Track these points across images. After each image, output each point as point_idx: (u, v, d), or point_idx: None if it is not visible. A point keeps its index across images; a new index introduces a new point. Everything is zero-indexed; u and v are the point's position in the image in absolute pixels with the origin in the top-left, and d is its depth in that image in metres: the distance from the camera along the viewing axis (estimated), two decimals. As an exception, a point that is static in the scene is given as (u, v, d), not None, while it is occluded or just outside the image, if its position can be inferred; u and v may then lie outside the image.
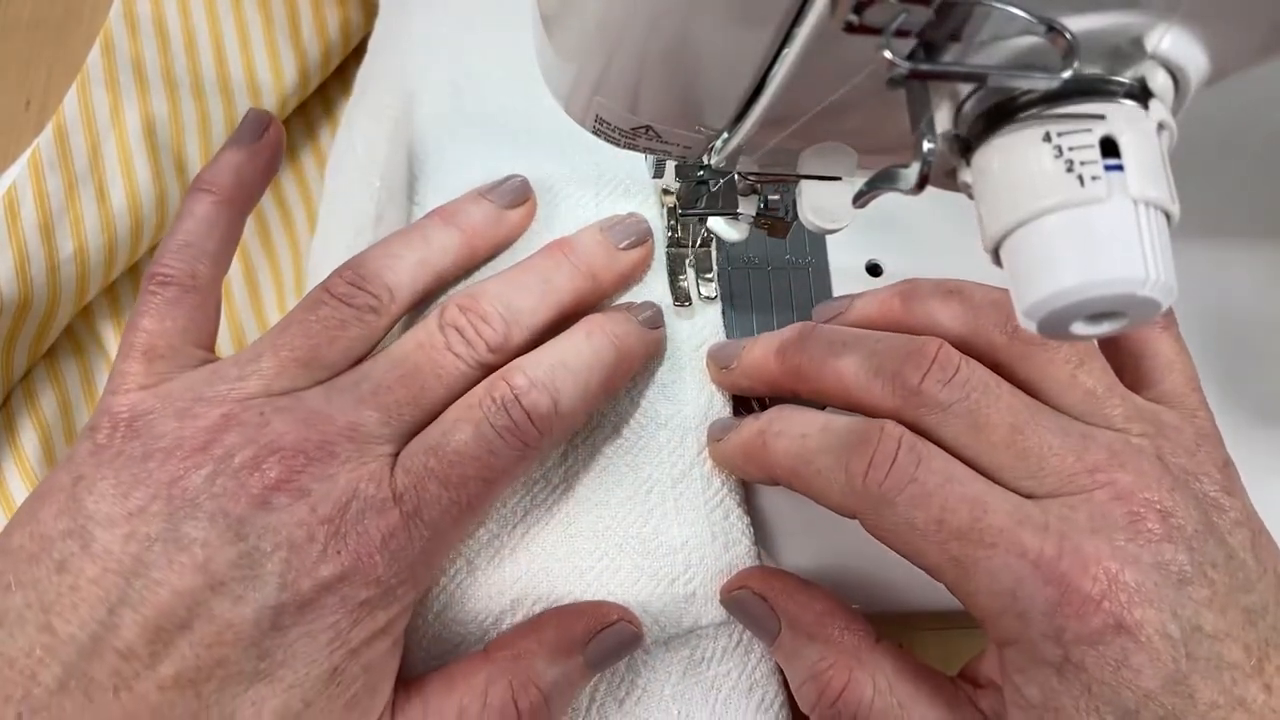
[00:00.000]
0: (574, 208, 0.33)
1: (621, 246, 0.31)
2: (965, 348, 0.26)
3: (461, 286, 0.31)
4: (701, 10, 0.18)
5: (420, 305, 0.30)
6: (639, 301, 0.32)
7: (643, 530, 0.30)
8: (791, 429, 0.27)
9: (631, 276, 0.32)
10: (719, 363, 0.31)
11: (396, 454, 0.25)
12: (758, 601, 0.28)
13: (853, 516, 0.25)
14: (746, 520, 0.31)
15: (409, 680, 0.26)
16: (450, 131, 0.34)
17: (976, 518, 0.23)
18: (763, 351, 0.29)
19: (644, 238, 0.32)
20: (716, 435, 0.30)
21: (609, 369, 0.28)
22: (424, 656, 0.28)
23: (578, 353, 0.28)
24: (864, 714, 0.25)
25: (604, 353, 0.28)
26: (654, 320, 0.31)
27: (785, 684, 0.30)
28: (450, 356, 0.27)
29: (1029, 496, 0.23)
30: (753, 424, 0.28)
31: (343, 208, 0.38)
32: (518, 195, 0.32)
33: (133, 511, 0.23)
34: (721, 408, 0.32)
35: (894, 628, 0.31)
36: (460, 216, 0.30)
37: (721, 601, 0.29)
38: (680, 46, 0.19)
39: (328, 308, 0.27)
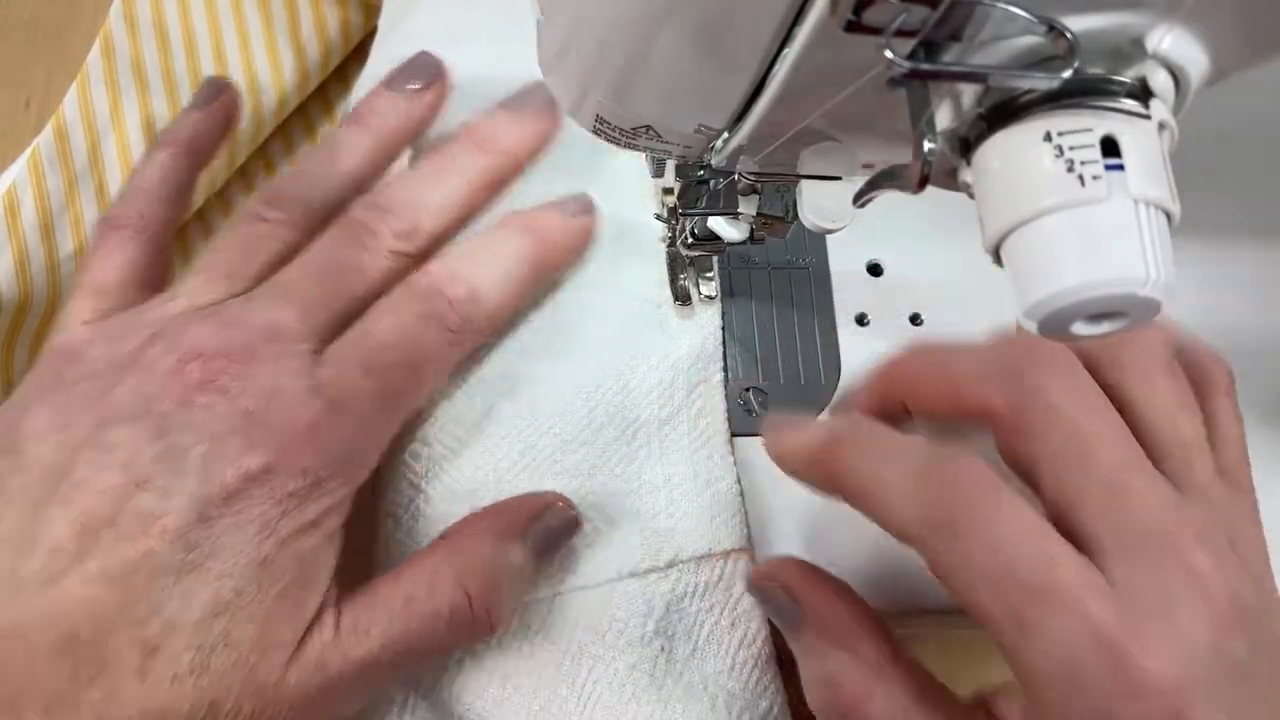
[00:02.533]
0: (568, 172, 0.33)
1: (527, 120, 0.31)
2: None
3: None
4: (701, 10, 0.18)
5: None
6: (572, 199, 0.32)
7: (627, 469, 0.30)
8: (869, 445, 0.25)
9: (541, 143, 0.32)
10: (842, 406, 0.29)
11: (319, 351, 0.26)
12: (784, 597, 0.27)
13: (918, 545, 0.23)
14: (730, 461, 0.31)
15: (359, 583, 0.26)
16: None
17: (1045, 574, 0.21)
18: (877, 373, 0.27)
19: (548, 108, 0.32)
20: (774, 430, 0.28)
21: (529, 255, 0.29)
22: None
23: (492, 242, 0.29)
24: None
25: (518, 239, 0.29)
26: (580, 209, 0.32)
27: (768, 621, 0.30)
28: (360, 251, 0.28)
29: (1099, 547, 0.22)
30: (822, 432, 0.26)
31: None
32: (425, 76, 0.31)
33: (62, 425, 0.24)
34: (715, 349, 0.32)
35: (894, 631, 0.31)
36: (369, 116, 0.31)
37: (749, 588, 0.29)
38: (680, 46, 0.19)
39: (245, 225, 0.28)
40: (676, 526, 0.30)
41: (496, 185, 0.30)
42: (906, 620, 0.34)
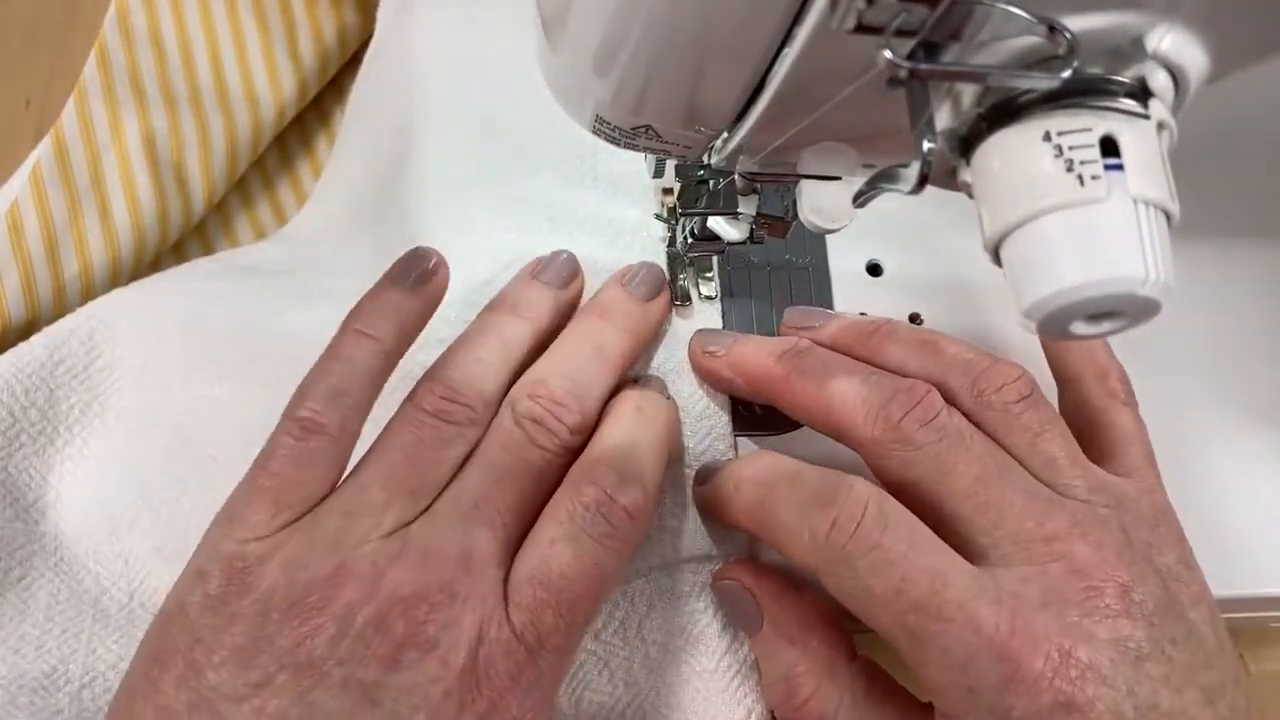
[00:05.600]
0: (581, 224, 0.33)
1: (645, 299, 0.31)
2: None
3: None
4: (701, 11, 0.18)
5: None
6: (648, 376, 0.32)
7: None
8: (760, 477, 0.27)
9: (661, 324, 0.32)
10: (704, 345, 0.31)
11: (508, 573, 0.25)
12: (745, 596, 0.29)
13: (813, 574, 0.25)
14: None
15: None
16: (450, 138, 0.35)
17: (936, 590, 0.23)
18: (754, 350, 0.29)
19: (662, 285, 0.32)
20: (700, 479, 0.30)
21: (665, 440, 0.28)
22: None
23: (640, 429, 0.28)
24: None
25: (657, 424, 0.28)
26: (663, 388, 0.31)
27: None
28: (538, 451, 0.26)
29: (983, 556, 0.24)
30: (729, 469, 0.28)
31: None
32: (568, 272, 0.31)
33: (259, 683, 0.22)
34: (719, 407, 0.32)
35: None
36: (524, 307, 0.30)
37: (711, 588, 0.30)
38: (680, 47, 0.19)
39: (428, 427, 0.26)
40: (681, 526, 0.30)
41: (630, 366, 0.30)
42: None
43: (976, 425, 0.26)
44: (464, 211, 0.33)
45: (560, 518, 0.25)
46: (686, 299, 0.33)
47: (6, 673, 0.28)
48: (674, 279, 0.33)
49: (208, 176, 0.38)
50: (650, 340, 0.32)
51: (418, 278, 0.27)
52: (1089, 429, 0.28)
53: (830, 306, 0.35)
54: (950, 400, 0.26)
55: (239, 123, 0.39)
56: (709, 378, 0.31)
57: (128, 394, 0.31)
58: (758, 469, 0.27)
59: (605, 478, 0.26)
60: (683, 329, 0.33)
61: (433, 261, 0.27)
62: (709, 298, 0.33)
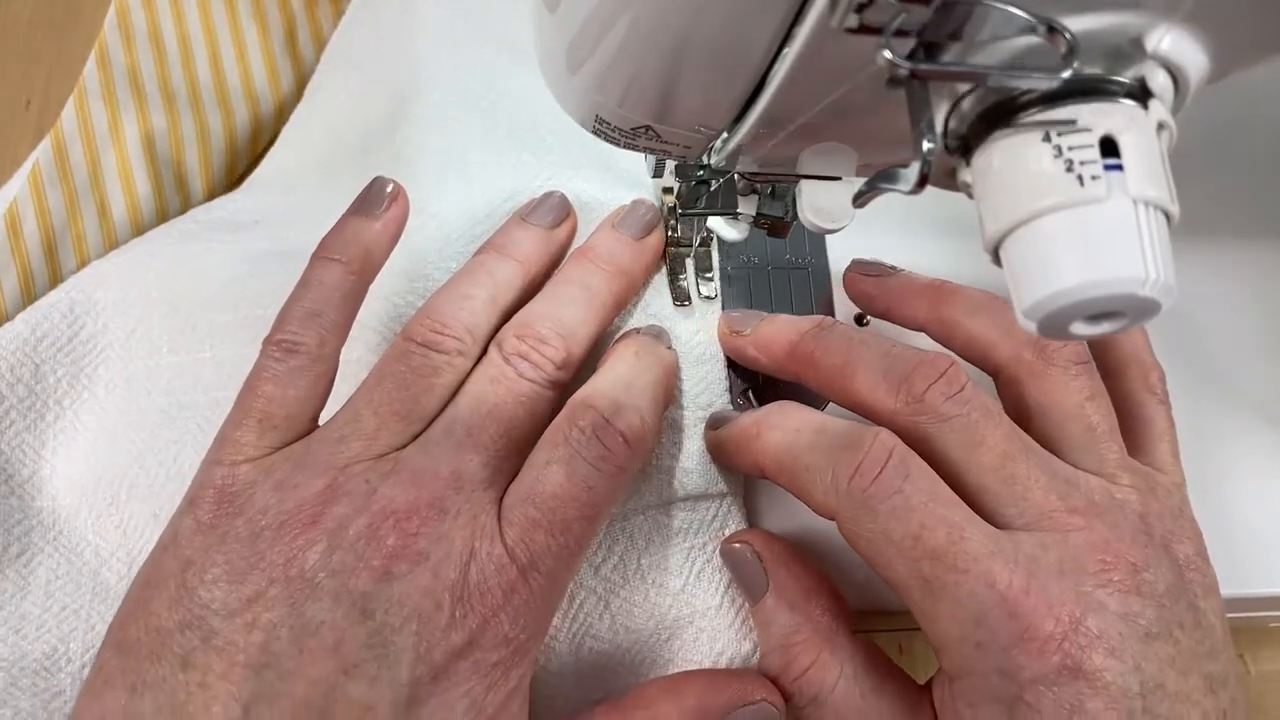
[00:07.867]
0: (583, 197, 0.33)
1: (636, 238, 0.31)
2: (989, 353, 0.27)
3: None
4: (701, 10, 0.18)
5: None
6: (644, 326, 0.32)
7: None
8: (786, 423, 0.27)
9: (654, 262, 0.33)
10: (732, 325, 0.31)
11: (500, 497, 0.25)
12: (753, 560, 0.29)
13: (831, 518, 0.25)
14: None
15: None
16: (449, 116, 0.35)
17: (953, 540, 0.23)
18: (780, 329, 0.30)
19: (655, 223, 0.32)
20: (714, 425, 0.31)
21: (663, 383, 0.29)
22: None
23: (638, 371, 0.28)
24: (824, 696, 0.26)
25: (656, 368, 0.29)
26: (666, 340, 0.32)
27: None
28: (525, 384, 0.27)
29: (1006, 527, 0.24)
30: (750, 415, 0.29)
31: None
32: (559, 213, 0.32)
33: (251, 598, 0.22)
34: (715, 349, 0.32)
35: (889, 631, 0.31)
36: (512, 248, 0.30)
37: (720, 551, 0.30)
38: (680, 46, 0.19)
39: (417, 356, 0.26)
40: (679, 465, 0.31)
41: (621, 307, 0.31)
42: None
43: (1029, 383, 0.26)
44: (461, 161, 0.33)
45: (557, 440, 0.26)
46: (687, 299, 0.33)
47: (7, 654, 0.28)
48: (674, 279, 0.33)
49: (207, 175, 0.38)
50: (644, 279, 0.32)
51: (378, 205, 0.28)
52: (1124, 420, 0.28)
53: (830, 307, 0.35)
54: (1011, 353, 0.27)
55: (238, 121, 0.39)
56: (736, 356, 0.32)
57: (115, 364, 0.31)
58: (784, 415, 0.28)
59: (603, 402, 0.26)
60: (682, 330, 0.33)
61: (391, 189, 0.28)
62: (709, 298, 0.33)
